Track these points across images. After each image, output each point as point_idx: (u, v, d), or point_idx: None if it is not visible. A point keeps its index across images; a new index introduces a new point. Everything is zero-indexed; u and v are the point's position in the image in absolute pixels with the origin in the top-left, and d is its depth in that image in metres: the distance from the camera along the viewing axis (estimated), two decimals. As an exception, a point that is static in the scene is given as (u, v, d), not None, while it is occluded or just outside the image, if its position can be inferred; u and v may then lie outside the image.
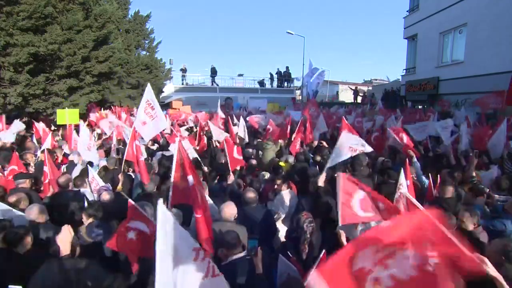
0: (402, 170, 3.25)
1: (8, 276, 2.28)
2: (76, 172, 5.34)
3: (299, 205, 3.76)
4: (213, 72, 23.63)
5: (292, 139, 7.38)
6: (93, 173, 4.69)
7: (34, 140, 7.92)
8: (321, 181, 3.66)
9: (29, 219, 3.07)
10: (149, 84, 5.32)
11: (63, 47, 10.26)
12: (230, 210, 3.14)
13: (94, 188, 4.51)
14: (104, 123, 9.27)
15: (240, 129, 8.29)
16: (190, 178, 2.61)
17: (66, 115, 8.68)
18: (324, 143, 7.25)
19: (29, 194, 3.80)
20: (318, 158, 6.09)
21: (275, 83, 25.92)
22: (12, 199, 3.53)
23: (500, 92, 9.54)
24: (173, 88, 22.13)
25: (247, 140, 8.35)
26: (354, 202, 2.61)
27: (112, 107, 13.96)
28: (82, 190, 4.27)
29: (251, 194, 3.62)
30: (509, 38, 11.05)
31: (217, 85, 24.03)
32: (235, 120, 9.53)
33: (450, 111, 11.95)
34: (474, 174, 4.57)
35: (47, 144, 6.47)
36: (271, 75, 25.92)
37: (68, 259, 2.13)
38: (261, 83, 25.84)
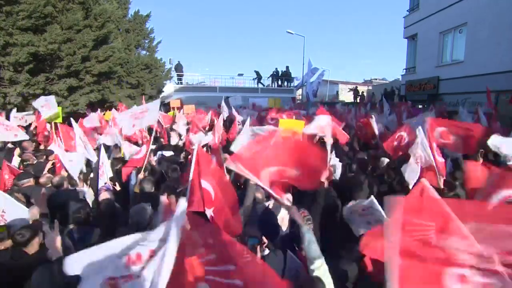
0: None
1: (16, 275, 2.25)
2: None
3: (296, 203, 3.74)
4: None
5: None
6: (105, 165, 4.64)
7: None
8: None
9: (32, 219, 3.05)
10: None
11: (63, 47, 10.27)
12: None
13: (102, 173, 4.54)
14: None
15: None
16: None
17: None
18: None
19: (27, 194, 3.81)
20: None
21: (275, 83, 25.90)
22: None
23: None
24: (173, 88, 22.12)
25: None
26: None
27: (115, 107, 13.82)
28: (78, 189, 4.28)
29: (258, 195, 3.60)
30: (509, 38, 11.02)
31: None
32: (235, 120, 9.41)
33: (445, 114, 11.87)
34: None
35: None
36: (272, 74, 25.92)
37: (61, 264, 2.08)
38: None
